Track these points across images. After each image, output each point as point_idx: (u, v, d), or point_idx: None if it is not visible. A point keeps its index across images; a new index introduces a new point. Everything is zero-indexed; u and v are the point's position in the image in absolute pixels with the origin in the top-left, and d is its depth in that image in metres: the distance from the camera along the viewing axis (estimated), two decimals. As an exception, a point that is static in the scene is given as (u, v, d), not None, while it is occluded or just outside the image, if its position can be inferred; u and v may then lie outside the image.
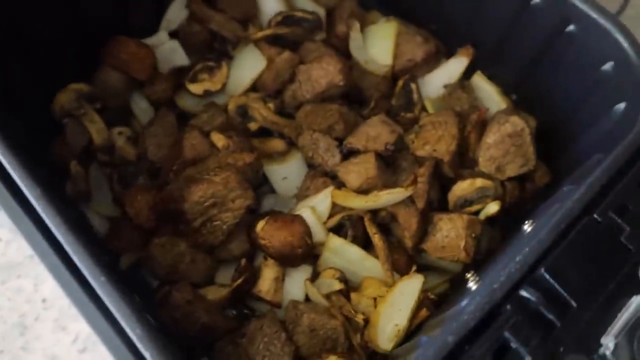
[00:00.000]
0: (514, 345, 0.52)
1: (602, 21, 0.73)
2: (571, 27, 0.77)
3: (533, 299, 0.54)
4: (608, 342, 0.51)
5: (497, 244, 0.84)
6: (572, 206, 0.60)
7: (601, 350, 0.52)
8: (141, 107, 0.90)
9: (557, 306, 0.54)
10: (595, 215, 0.59)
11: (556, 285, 0.55)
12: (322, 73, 0.86)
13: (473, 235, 0.77)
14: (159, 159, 0.82)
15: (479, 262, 0.81)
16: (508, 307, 0.54)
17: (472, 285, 0.61)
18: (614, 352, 0.51)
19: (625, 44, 0.72)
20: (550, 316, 0.54)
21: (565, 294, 0.55)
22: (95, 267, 0.53)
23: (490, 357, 0.52)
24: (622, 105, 0.73)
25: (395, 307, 0.72)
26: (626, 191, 0.61)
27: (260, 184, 0.89)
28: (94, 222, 0.81)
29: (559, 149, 0.88)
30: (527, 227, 0.65)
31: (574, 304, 0.54)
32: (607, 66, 0.75)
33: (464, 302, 0.58)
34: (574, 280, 0.56)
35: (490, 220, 0.86)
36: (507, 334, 0.52)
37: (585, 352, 0.52)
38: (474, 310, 0.54)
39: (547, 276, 0.56)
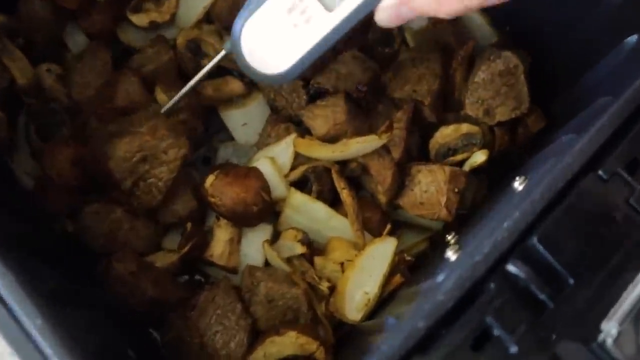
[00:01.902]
0: (497, 332, 0.43)
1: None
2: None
3: (522, 274, 0.45)
4: (610, 329, 0.43)
5: (484, 197, 0.75)
6: (572, 160, 0.50)
7: (601, 337, 0.43)
8: (77, 41, 0.78)
9: (551, 283, 0.45)
10: (599, 172, 0.49)
11: (550, 258, 0.46)
12: (285, 0, 0.73)
13: (456, 190, 0.68)
14: (84, 102, 0.71)
15: (463, 217, 0.72)
16: (492, 285, 0.45)
17: (450, 255, 0.52)
18: (616, 341, 0.42)
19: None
20: (542, 296, 0.45)
21: (560, 268, 0.46)
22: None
23: (469, 347, 0.43)
24: (633, 38, 0.62)
25: (365, 272, 0.63)
26: (636, 143, 0.51)
27: (217, 131, 0.79)
28: (21, 180, 0.71)
29: (557, 91, 0.77)
30: (517, 184, 0.55)
31: (570, 280, 0.45)
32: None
33: (440, 277, 0.49)
34: (572, 251, 0.46)
35: (477, 169, 0.77)
36: (489, 319, 0.43)
37: (582, 340, 0.43)
38: (451, 289, 0.44)
39: (540, 247, 0.46)
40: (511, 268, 0.46)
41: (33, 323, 0.41)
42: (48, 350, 0.40)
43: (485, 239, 0.47)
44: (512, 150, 0.77)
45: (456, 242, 0.57)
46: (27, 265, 0.45)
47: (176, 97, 0.67)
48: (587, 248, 0.47)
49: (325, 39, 0.55)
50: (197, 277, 0.70)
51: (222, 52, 0.61)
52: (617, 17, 0.64)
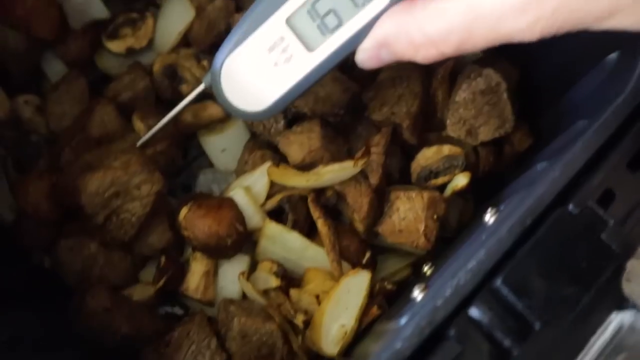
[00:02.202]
0: (456, 385, 0.41)
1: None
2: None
3: (485, 319, 0.43)
4: (577, 377, 0.41)
5: (471, 218, 0.73)
6: (541, 194, 0.47)
7: (568, 386, 0.41)
8: (55, 69, 0.77)
9: (516, 328, 0.43)
10: (570, 206, 0.47)
11: (515, 301, 0.44)
12: (259, 23, 0.72)
13: (435, 216, 0.65)
14: (60, 132, 0.70)
15: (448, 240, 0.70)
16: (452, 331, 0.43)
17: (417, 294, 0.50)
18: (583, 390, 0.40)
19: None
20: (507, 342, 0.43)
21: (526, 312, 0.44)
22: None
23: (427, 400, 0.41)
24: (614, 56, 0.59)
25: (340, 305, 0.61)
26: (613, 172, 0.49)
27: (197, 156, 0.78)
28: (2, 213, 0.71)
29: (544, 106, 0.74)
30: (488, 216, 0.53)
31: (537, 324, 0.43)
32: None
33: (403, 319, 0.47)
34: (539, 293, 0.44)
35: (463, 190, 0.75)
36: (449, 369, 0.41)
37: (548, 389, 0.41)
38: (409, 336, 0.43)
39: (505, 289, 0.44)
40: (474, 312, 0.44)
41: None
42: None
43: (448, 280, 0.45)
44: (499, 169, 0.75)
45: (427, 279, 0.56)
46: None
47: (151, 132, 0.66)
48: (555, 289, 0.45)
49: (306, 78, 0.54)
50: (176, 309, 0.69)
51: (201, 86, 0.59)
52: (599, 33, 0.61)
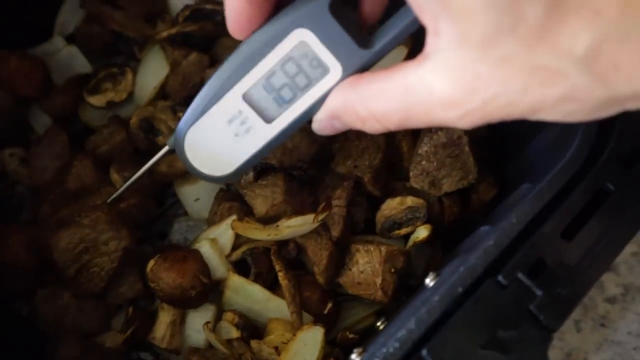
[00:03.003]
0: None
1: None
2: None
3: (409, 391, 0.45)
4: None
5: (438, 265, 0.74)
6: (474, 263, 0.49)
7: None
8: (41, 122, 0.81)
9: (439, 399, 0.45)
10: (499, 277, 0.48)
11: (440, 373, 0.45)
12: (229, 79, 0.75)
13: (392, 270, 0.67)
14: (42, 186, 0.74)
15: (412, 289, 0.71)
16: (377, 402, 0.45)
17: (354, 357, 0.52)
18: None
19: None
20: (429, 414, 0.44)
21: (450, 384, 0.45)
22: None
23: None
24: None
25: (298, 357, 0.63)
26: (545, 241, 0.50)
27: (173, 203, 0.81)
28: (-16, 260, 0.75)
29: (511, 154, 0.75)
30: (428, 281, 0.54)
31: (459, 395, 0.45)
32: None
33: (337, 385, 0.49)
34: (464, 363, 0.46)
35: (432, 238, 0.76)
36: None
37: None
38: (336, 406, 0.45)
39: (429, 359, 0.46)
40: (400, 383, 0.45)
41: None
42: None
43: (378, 348, 0.47)
44: (468, 217, 0.76)
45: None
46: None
47: (120, 190, 0.68)
48: (481, 359, 0.46)
49: (267, 146, 0.56)
50: (147, 355, 0.72)
51: (165, 148, 0.62)
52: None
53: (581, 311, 0.81)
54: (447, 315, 0.48)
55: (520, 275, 0.48)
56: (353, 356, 0.52)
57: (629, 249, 0.84)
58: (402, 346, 0.46)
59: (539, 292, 0.47)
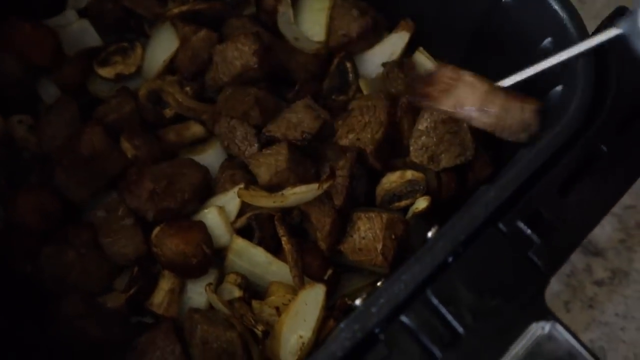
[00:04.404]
0: (381, 383, 0.45)
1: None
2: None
3: (414, 326, 0.47)
4: (493, 381, 0.44)
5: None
6: (475, 213, 0.51)
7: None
8: (50, 92, 0.83)
9: (443, 335, 0.47)
10: (500, 225, 0.51)
11: (442, 309, 0.47)
12: (237, 54, 0.77)
13: (393, 236, 0.69)
14: (52, 152, 0.75)
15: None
16: (383, 336, 0.46)
17: (358, 303, 0.54)
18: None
19: (564, 16, 0.62)
20: (433, 347, 0.46)
21: (452, 319, 0.47)
22: None
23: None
24: (559, 89, 0.63)
25: (299, 317, 0.65)
26: (542, 196, 0.53)
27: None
28: (-10, 222, 0.75)
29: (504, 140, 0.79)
30: (430, 234, 0.57)
31: (461, 330, 0.47)
32: (546, 42, 0.65)
33: (342, 324, 0.50)
34: (466, 302, 0.48)
35: (429, 216, 0.78)
36: (375, 371, 0.45)
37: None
38: (342, 339, 0.46)
39: (434, 299, 0.48)
40: (405, 319, 0.47)
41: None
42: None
43: (383, 289, 0.49)
44: (463, 195, 0.79)
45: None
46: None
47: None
48: (482, 300, 0.48)
49: None
50: (147, 318, 0.73)
51: (616, 31, 0.55)
52: (547, 69, 0.66)
53: (570, 293, 0.83)
54: (451, 262, 0.50)
55: (519, 224, 0.51)
56: (357, 301, 0.54)
57: (617, 235, 0.88)
58: (407, 287, 0.48)
59: (537, 240, 0.50)
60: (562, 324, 0.46)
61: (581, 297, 0.83)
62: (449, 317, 0.47)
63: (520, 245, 0.50)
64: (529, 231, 0.50)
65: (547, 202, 0.52)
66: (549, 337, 0.46)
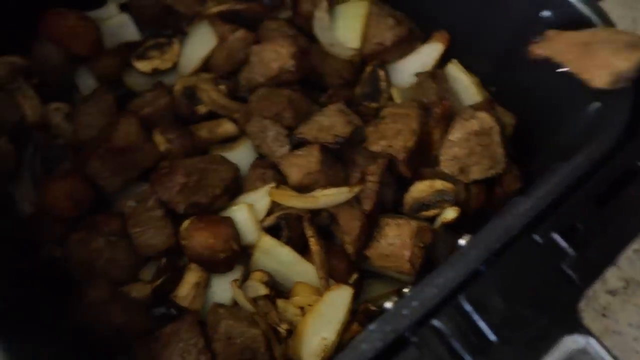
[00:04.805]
0: (412, 385, 0.45)
1: (580, 6, 0.63)
2: (546, 13, 0.67)
3: (446, 330, 0.47)
4: (524, 390, 0.44)
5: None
6: (510, 223, 0.52)
7: (516, 397, 0.44)
8: (86, 83, 0.84)
9: (474, 341, 0.47)
10: (534, 236, 0.51)
11: (475, 316, 0.47)
12: (274, 56, 0.78)
13: (421, 244, 0.69)
14: (86, 141, 0.77)
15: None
16: (415, 339, 0.46)
17: (389, 306, 0.54)
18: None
19: (606, 35, 0.62)
20: (463, 352, 0.46)
21: (484, 326, 0.47)
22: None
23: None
24: (596, 105, 0.63)
25: (323, 318, 0.65)
26: (578, 209, 0.53)
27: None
28: (21, 206, 0.77)
29: (536, 151, 0.79)
30: (463, 242, 0.57)
31: (494, 340, 0.47)
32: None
33: (372, 326, 0.50)
34: (498, 311, 0.48)
35: (456, 227, 0.78)
36: (406, 372, 0.45)
37: (496, 399, 0.44)
38: (373, 339, 0.46)
39: (467, 305, 0.48)
40: (437, 323, 0.47)
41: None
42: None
43: (416, 293, 0.49)
44: (491, 209, 0.79)
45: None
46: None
47: None
48: (514, 309, 0.48)
49: None
50: (172, 310, 0.73)
51: None
52: (583, 84, 0.66)
53: (584, 301, 0.83)
54: (484, 269, 0.50)
55: (554, 236, 0.50)
56: (388, 305, 0.54)
57: (631, 245, 0.87)
58: (440, 292, 0.48)
59: (571, 253, 0.50)
60: (596, 338, 0.46)
61: (594, 306, 0.82)
62: (482, 324, 0.47)
63: (555, 257, 0.50)
64: (563, 243, 0.50)
65: (582, 216, 0.52)
66: (583, 351, 0.45)
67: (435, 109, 0.76)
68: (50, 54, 0.80)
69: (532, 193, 0.55)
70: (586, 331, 0.47)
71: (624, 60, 0.56)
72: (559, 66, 0.69)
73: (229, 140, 0.82)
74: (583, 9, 0.63)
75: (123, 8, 0.87)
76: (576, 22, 0.64)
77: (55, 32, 0.78)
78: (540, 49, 0.67)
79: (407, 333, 0.47)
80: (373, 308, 0.70)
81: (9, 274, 0.58)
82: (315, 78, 0.84)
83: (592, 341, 0.46)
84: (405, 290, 0.64)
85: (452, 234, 0.79)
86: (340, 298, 0.65)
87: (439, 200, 0.74)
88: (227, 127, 0.82)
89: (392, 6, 0.88)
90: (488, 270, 0.49)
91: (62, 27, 0.78)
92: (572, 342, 0.46)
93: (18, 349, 0.46)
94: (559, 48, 0.64)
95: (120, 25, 0.86)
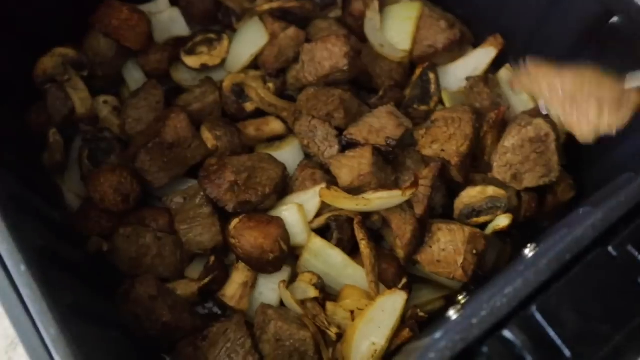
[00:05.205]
0: (484, 398, 0.43)
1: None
2: (615, 19, 0.65)
3: (517, 342, 0.45)
4: (603, 409, 0.42)
5: (507, 262, 0.75)
6: (582, 234, 0.50)
7: (593, 416, 0.42)
8: (134, 77, 0.84)
9: (547, 355, 0.45)
10: (609, 248, 0.49)
11: (548, 329, 0.46)
12: (327, 55, 0.77)
13: (474, 251, 0.68)
14: (134, 135, 0.76)
15: (482, 280, 0.71)
16: (485, 349, 0.45)
17: (452, 314, 0.52)
18: (608, 422, 0.42)
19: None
20: (536, 366, 0.45)
21: (558, 341, 0.45)
22: (17, 253, 0.47)
23: (455, 410, 0.43)
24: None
25: (374, 323, 0.64)
26: (653, 221, 0.51)
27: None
28: (68, 198, 0.76)
29: (590, 161, 0.77)
30: (528, 251, 0.55)
31: (566, 352, 0.45)
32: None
33: (437, 334, 0.49)
34: (572, 324, 0.46)
35: (503, 234, 0.77)
36: (477, 384, 0.43)
37: (571, 417, 0.43)
38: (442, 348, 0.45)
39: (539, 316, 0.46)
40: (507, 334, 0.46)
41: (47, 332, 0.45)
42: (57, 357, 0.44)
43: (485, 302, 0.48)
44: (541, 218, 0.77)
45: (462, 304, 0.58)
46: (50, 277, 0.49)
47: None
48: (589, 324, 0.46)
49: None
50: (215, 309, 0.72)
51: None
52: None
53: None
54: (553, 281, 0.48)
55: (630, 248, 0.49)
56: (450, 313, 0.52)
57: None
58: (510, 302, 0.47)
59: (648, 267, 0.48)
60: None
61: None
62: (555, 337, 0.45)
63: (631, 270, 0.48)
64: (640, 257, 0.48)
65: (659, 229, 0.50)
66: (662, 369, 0.44)
67: (490, 114, 0.75)
68: (102, 46, 0.79)
69: (602, 204, 0.53)
70: (665, 350, 0.45)
71: (608, 120, 0.58)
72: (625, 72, 0.68)
73: (276, 139, 0.82)
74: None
75: (173, 2, 0.86)
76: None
77: (107, 25, 0.78)
78: (521, 84, 0.66)
79: (476, 343, 0.46)
80: (421, 314, 0.68)
81: (65, 269, 0.57)
82: (364, 79, 0.83)
83: (672, 360, 0.44)
84: (460, 297, 0.63)
85: (498, 241, 0.78)
86: (392, 303, 0.63)
87: (490, 207, 0.73)
88: (275, 126, 0.81)
89: (444, 9, 0.87)
90: (560, 283, 0.48)
91: (115, 19, 0.78)
92: (650, 360, 0.44)
93: (81, 348, 0.45)
94: (541, 88, 0.62)
95: (170, 20, 0.85)
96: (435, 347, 0.46)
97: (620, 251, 0.49)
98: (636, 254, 0.49)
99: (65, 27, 0.78)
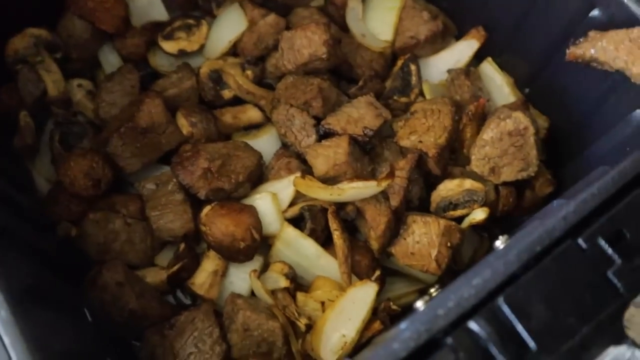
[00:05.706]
0: (446, 389, 0.42)
1: (633, 6, 0.61)
2: (595, 12, 0.65)
3: (483, 334, 0.44)
4: (566, 402, 0.41)
5: (485, 255, 0.74)
6: (553, 225, 0.49)
7: (556, 409, 0.42)
8: (110, 61, 0.82)
9: (512, 347, 0.44)
10: (579, 240, 0.48)
11: (515, 321, 0.45)
12: (306, 43, 0.76)
13: (449, 244, 0.67)
14: (108, 119, 0.75)
15: (457, 273, 0.71)
16: (450, 340, 0.44)
17: (419, 305, 0.51)
18: (571, 416, 0.41)
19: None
20: (500, 358, 0.44)
21: (524, 333, 0.44)
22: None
23: (416, 401, 0.42)
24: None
25: (344, 315, 0.63)
26: (626, 214, 0.50)
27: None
28: (38, 182, 0.75)
29: (569, 156, 0.76)
30: (499, 243, 0.54)
31: (532, 345, 0.44)
32: None
33: (402, 325, 0.48)
34: (539, 316, 0.45)
35: (480, 229, 0.76)
36: (440, 375, 0.42)
37: (534, 410, 0.42)
38: (406, 339, 0.44)
39: (506, 308, 0.45)
40: (473, 326, 0.45)
41: (-2, 314, 0.43)
42: (7, 339, 0.42)
43: (452, 292, 0.47)
44: (519, 213, 0.76)
45: (431, 297, 0.57)
46: (8, 258, 0.48)
47: None
48: (556, 316, 0.45)
49: None
50: (188, 300, 0.71)
51: None
52: (631, 89, 0.63)
53: None
54: (523, 273, 0.48)
55: (600, 241, 0.48)
56: (418, 304, 0.51)
57: None
58: (477, 293, 0.46)
59: (617, 260, 0.47)
60: (642, 350, 0.43)
61: None
62: (521, 329, 0.44)
63: (600, 263, 0.47)
64: (610, 250, 0.48)
65: (630, 222, 0.49)
66: (628, 362, 0.43)
67: (469, 107, 0.74)
68: (76, 28, 0.78)
69: (575, 196, 0.52)
70: (632, 343, 0.44)
71: None
72: (600, 69, 0.67)
73: (253, 127, 0.80)
74: (635, 8, 0.60)
75: (152, -14, 0.85)
76: (626, 22, 0.61)
77: (82, 6, 0.76)
78: (581, 50, 0.65)
79: (442, 334, 0.45)
80: (394, 307, 0.67)
81: (25, 252, 0.56)
82: (345, 68, 0.82)
83: (638, 353, 0.43)
84: (432, 290, 0.62)
85: (476, 235, 0.77)
86: (363, 295, 0.62)
87: (467, 200, 0.72)
88: (252, 114, 0.80)
89: (428, 0, 0.86)
90: (529, 274, 0.47)
91: (90, 1, 0.76)
92: (618, 353, 0.44)
93: (33, 331, 0.44)
94: (603, 47, 0.62)
95: (149, 4, 0.83)
96: (400, 338, 0.45)
97: (591, 244, 0.48)
98: (606, 247, 0.48)
99: (40, 8, 0.76)
